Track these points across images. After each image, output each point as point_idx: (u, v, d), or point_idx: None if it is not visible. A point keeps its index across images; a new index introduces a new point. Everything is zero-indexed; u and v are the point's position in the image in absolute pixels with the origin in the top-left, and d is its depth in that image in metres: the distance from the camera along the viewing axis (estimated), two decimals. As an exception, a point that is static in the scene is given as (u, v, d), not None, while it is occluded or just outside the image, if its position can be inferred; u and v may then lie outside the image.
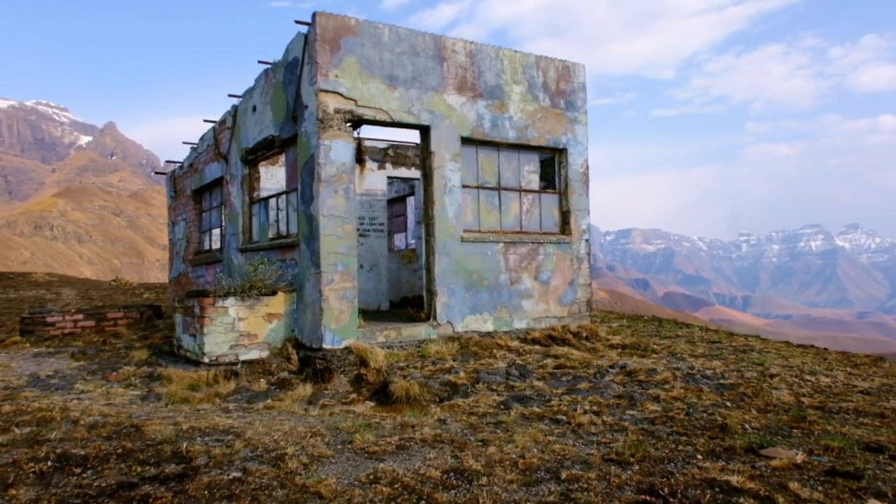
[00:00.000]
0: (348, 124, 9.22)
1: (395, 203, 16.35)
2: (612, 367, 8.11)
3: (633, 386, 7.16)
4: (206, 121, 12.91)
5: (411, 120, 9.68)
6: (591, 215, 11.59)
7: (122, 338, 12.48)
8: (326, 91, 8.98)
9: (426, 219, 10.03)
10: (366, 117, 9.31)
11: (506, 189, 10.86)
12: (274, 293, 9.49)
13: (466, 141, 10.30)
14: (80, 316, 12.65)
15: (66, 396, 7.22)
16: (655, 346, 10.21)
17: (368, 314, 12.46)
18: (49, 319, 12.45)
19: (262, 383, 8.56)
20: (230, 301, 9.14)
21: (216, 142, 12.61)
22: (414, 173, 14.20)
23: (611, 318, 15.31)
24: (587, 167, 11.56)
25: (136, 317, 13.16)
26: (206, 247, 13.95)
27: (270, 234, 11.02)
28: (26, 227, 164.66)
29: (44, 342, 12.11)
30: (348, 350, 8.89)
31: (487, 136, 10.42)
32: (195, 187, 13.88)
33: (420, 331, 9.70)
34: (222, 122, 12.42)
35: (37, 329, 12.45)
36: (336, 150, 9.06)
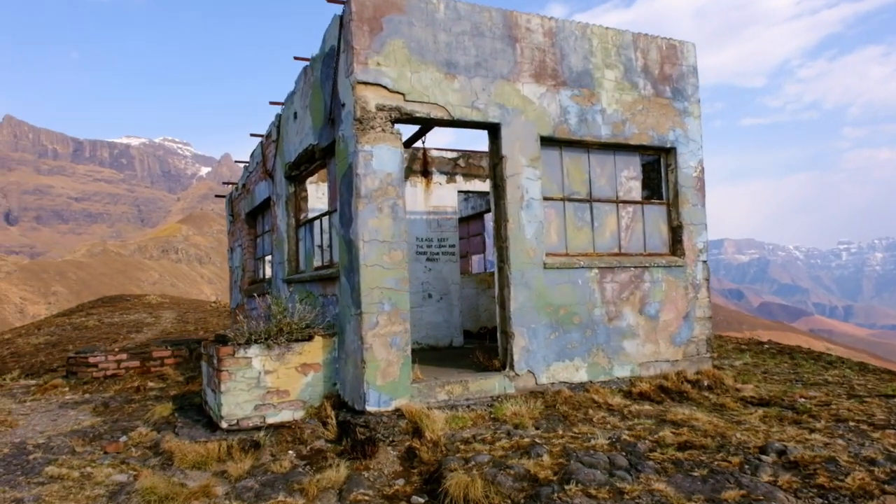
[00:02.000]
0: (395, 125, 6.94)
1: (471, 221, 13.98)
2: (763, 450, 5.34)
3: (813, 497, 4.40)
4: (252, 135, 11.01)
5: (476, 116, 7.29)
6: (708, 231, 8.78)
7: (168, 379, 10.68)
8: (366, 83, 6.74)
9: (498, 241, 7.59)
10: (417, 115, 7.00)
11: (599, 201, 8.26)
12: (310, 338, 7.29)
13: (547, 141, 7.81)
14: (124, 356, 10.96)
15: (11, 494, 5.23)
16: (807, 403, 7.28)
17: (438, 353, 10.10)
18: (92, 360, 10.82)
19: (288, 459, 6.31)
20: (254, 350, 7.00)
21: (263, 158, 10.69)
22: (489, 186, 11.77)
23: (728, 351, 12.26)
24: (702, 170, 8.78)
25: (185, 355, 11.37)
26: (261, 275, 12.06)
27: (315, 263, 8.88)
28: (155, 251, 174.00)
29: (83, 385, 10.46)
30: (398, 413, 6.54)
31: (574, 134, 7.88)
32: (248, 210, 12.03)
33: (493, 384, 7.23)
34: (268, 135, 10.47)
35: (80, 370, 10.85)
36: (379, 158, 6.79)
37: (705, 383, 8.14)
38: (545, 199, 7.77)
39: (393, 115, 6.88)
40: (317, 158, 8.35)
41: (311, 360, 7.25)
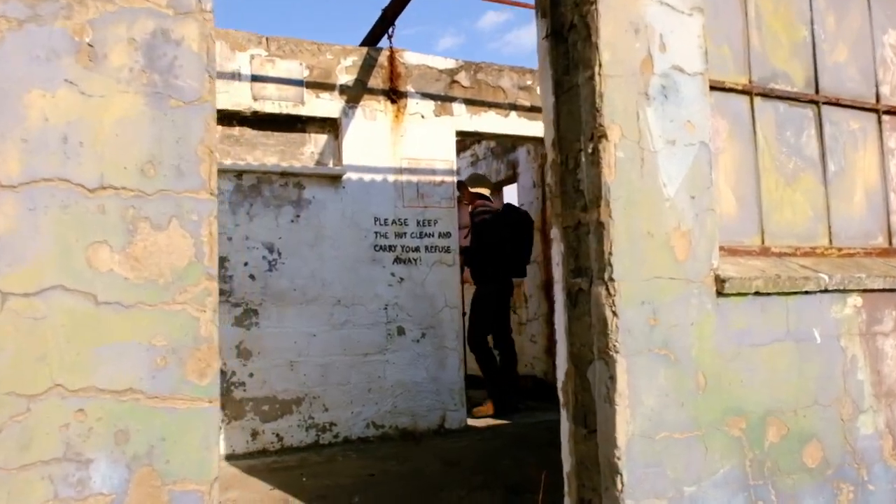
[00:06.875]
0: None
1: (481, 195, 8.69)
2: None
3: None
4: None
5: None
6: None
7: None
8: None
9: (563, 215, 2.28)
10: None
11: (836, 104, 2.93)
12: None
13: None
14: None
15: None
16: None
17: (413, 456, 4.82)
18: None
19: None
20: None
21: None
22: (516, 124, 6.28)
23: None
24: None
25: None
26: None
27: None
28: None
29: None
30: None
31: None
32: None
33: None
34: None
35: None
36: None
37: None
38: (712, 86, 2.47)
39: None
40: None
41: None
